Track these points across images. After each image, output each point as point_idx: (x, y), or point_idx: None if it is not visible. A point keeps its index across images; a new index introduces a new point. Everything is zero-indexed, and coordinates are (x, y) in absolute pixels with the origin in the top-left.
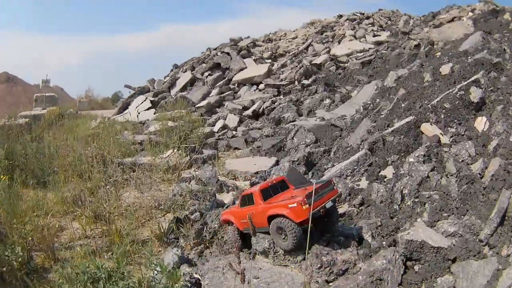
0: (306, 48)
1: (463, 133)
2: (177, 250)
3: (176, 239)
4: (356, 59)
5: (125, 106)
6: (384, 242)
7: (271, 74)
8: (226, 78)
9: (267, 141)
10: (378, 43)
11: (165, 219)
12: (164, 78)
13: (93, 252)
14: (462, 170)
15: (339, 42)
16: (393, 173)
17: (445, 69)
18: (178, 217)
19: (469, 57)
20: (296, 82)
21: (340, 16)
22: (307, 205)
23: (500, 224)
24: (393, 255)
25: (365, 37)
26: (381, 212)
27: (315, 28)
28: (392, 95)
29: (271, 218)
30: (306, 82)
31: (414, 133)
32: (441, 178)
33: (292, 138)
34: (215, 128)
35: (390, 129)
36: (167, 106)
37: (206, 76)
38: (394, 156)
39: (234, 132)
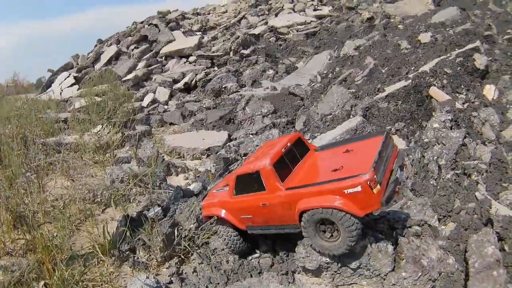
0: (239, 21)
1: (473, 100)
2: (146, 277)
3: (131, 251)
4: (297, 31)
5: (48, 84)
6: (450, 224)
7: (201, 46)
8: (154, 51)
9: (212, 113)
10: (320, 17)
11: (108, 218)
12: (88, 54)
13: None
14: (500, 136)
15: (276, 15)
16: (415, 142)
17: (424, 37)
18: (130, 216)
19: (448, 29)
20: (232, 54)
21: None
22: (379, 186)
23: None
24: (492, 238)
25: (304, 11)
26: (422, 189)
27: (246, 3)
28: (356, 63)
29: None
30: (245, 52)
31: (415, 98)
32: (476, 145)
33: (244, 108)
34: (144, 103)
35: (381, 95)
36: (91, 82)
37: (132, 49)
38: (399, 124)
39: (165, 107)
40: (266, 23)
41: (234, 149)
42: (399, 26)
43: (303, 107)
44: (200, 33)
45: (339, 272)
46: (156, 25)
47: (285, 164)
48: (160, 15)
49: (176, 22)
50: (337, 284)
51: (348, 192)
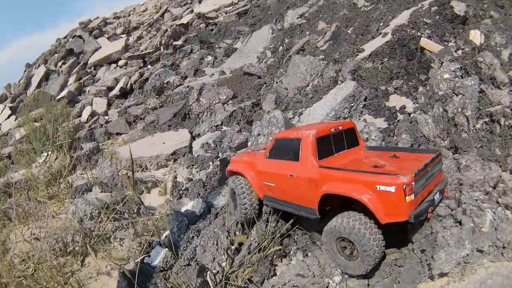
0: (162, 16)
1: (462, 47)
2: None
3: None
4: (226, 13)
5: None
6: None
7: (129, 48)
8: (82, 63)
9: (163, 112)
10: None
11: (92, 272)
12: (19, 81)
13: None
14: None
15: (200, 2)
16: (429, 97)
17: None
18: (130, 271)
19: None
20: (163, 48)
21: None
22: (413, 195)
23: None
24: None
25: None
26: (464, 145)
27: None
28: (308, 30)
29: (327, 199)
30: (177, 43)
31: (403, 53)
32: (492, 90)
33: (198, 100)
34: (83, 118)
35: (363, 55)
36: (26, 108)
37: (61, 66)
38: (397, 81)
39: (106, 117)
40: (192, 11)
41: (214, 146)
42: None
43: (264, 85)
44: (125, 35)
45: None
46: (80, 36)
47: (329, 144)
48: (82, 25)
49: (99, 29)
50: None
51: (380, 189)
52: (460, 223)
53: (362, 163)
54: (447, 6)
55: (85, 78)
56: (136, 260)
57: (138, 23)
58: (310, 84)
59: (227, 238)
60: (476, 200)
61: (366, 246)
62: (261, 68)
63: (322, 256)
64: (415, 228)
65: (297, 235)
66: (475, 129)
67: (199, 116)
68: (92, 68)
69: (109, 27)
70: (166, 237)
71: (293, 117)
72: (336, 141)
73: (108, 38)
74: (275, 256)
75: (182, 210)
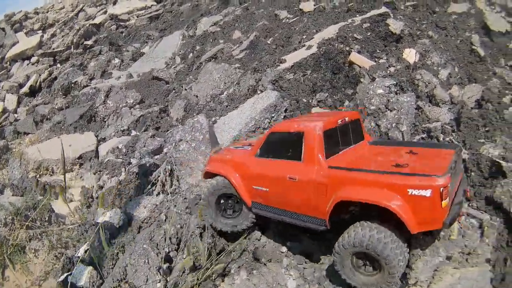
0: (77, 15)
1: (394, 64)
2: None
3: None
4: (138, 16)
5: None
6: None
7: (42, 45)
8: (0, 56)
9: (71, 112)
10: (159, 1)
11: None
12: None
13: None
14: (453, 97)
15: (114, 3)
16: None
17: (307, 6)
18: None
19: None
20: (73, 47)
21: None
22: (448, 198)
23: None
24: None
25: None
26: None
27: None
28: (221, 38)
29: (342, 207)
30: (88, 43)
31: (328, 66)
32: (429, 107)
33: (105, 102)
34: None
35: (285, 65)
36: None
37: None
38: (321, 94)
39: (15, 115)
40: (106, 12)
41: (126, 151)
42: None
43: (173, 91)
44: (41, 31)
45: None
46: (3, 29)
47: (336, 139)
48: (7, 18)
49: (20, 23)
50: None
51: (413, 193)
52: (430, 232)
53: (378, 161)
54: (381, 23)
55: (1, 73)
56: (58, 280)
57: (54, 20)
58: (225, 92)
59: (157, 255)
60: None
61: (390, 258)
62: (170, 73)
63: (269, 274)
64: None
65: (235, 251)
66: None
67: (105, 120)
68: (9, 63)
69: (29, 22)
70: (86, 252)
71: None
72: (342, 135)
73: (26, 33)
74: (214, 275)
75: (98, 221)
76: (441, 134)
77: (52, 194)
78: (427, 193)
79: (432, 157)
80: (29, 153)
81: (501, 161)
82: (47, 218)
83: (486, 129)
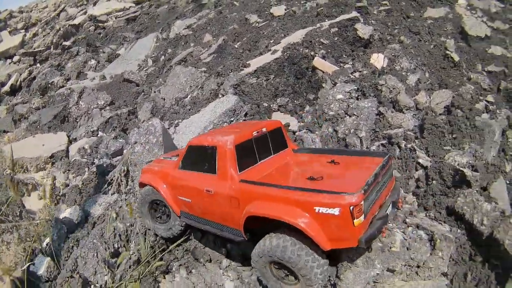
0: (58, 14)
1: (360, 69)
2: None
3: None
4: (116, 18)
5: None
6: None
7: (24, 44)
8: None
9: (45, 112)
10: (138, 2)
11: None
12: None
13: None
14: (418, 103)
15: (94, 4)
16: (317, 117)
17: (278, 10)
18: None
19: (303, 1)
20: (52, 48)
21: None
22: (363, 216)
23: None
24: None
25: None
26: None
27: None
28: (193, 41)
29: (254, 220)
30: (66, 44)
31: (292, 71)
32: (392, 113)
33: (77, 103)
34: None
35: (248, 70)
36: None
37: None
38: (282, 99)
39: None
40: (86, 13)
41: (90, 151)
42: (235, 2)
43: (142, 93)
44: (24, 31)
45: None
46: None
47: (251, 151)
48: None
49: (4, 22)
50: None
51: (320, 211)
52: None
53: (294, 173)
54: (350, 28)
55: None
56: (22, 268)
57: (37, 20)
58: (189, 96)
59: (105, 250)
60: None
61: (305, 270)
62: (141, 76)
63: (208, 274)
64: None
65: (177, 250)
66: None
67: (77, 120)
68: None
69: (13, 20)
70: (47, 244)
71: (169, 128)
72: (260, 146)
73: (10, 32)
74: (157, 272)
75: (60, 217)
76: (403, 141)
77: (25, 191)
78: (335, 211)
79: (353, 168)
80: (6, 151)
81: (465, 170)
82: (18, 213)
83: (454, 136)
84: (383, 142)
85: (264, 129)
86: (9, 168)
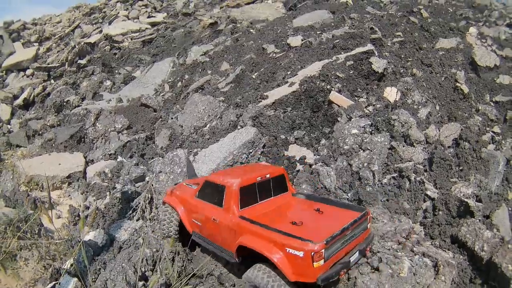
0: (73, 31)
1: (374, 103)
2: None
3: None
4: (132, 39)
5: None
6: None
7: (38, 58)
8: None
9: (62, 131)
10: (154, 24)
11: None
12: None
13: None
14: (428, 137)
15: (109, 23)
16: (332, 151)
17: (295, 41)
18: None
19: (319, 32)
20: (67, 65)
21: None
22: (322, 261)
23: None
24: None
25: (138, 18)
26: (369, 198)
27: (79, 12)
28: (210, 69)
29: (243, 249)
30: (82, 62)
31: (308, 104)
32: (403, 147)
33: (94, 125)
34: None
35: (266, 102)
36: None
37: None
38: (299, 132)
39: (9, 126)
40: (101, 31)
41: (111, 176)
42: (251, 30)
43: (160, 119)
44: (37, 44)
45: None
46: (1, 36)
47: (253, 193)
48: (6, 25)
49: (18, 33)
50: None
51: (290, 251)
52: (377, 269)
53: (282, 217)
54: (365, 61)
55: None
56: (48, 287)
57: (51, 34)
58: (208, 125)
59: (134, 273)
60: (389, 249)
61: None
62: (158, 101)
63: None
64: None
65: (202, 276)
66: (381, 184)
67: (94, 142)
68: (4, 72)
69: (26, 32)
70: (71, 265)
71: (188, 156)
72: (262, 189)
73: (23, 44)
74: None
75: (85, 239)
76: (413, 174)
77: (42, 209)
78: (300, 254)
79: (330, 219)
80: (21, 167)
81: (469, 201)
82: (37, 231)
83: (460, 168)
84: (394, 175)
85: (267, 175)
86: (24, 184)
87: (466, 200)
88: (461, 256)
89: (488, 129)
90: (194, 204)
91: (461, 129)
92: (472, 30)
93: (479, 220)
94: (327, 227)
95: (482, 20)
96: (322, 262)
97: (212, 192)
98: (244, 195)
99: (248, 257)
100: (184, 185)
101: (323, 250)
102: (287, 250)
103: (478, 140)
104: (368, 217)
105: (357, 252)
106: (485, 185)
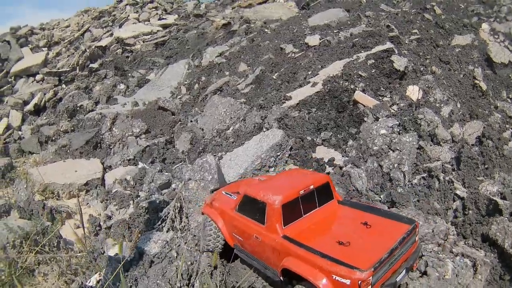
0: (82, 35)
1: (397, 102)
2: None
3: None
4: (144, 41)
5: None
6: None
7: (47, 63)
8: (5, 70)
9: (76, 137)
10: (165, 26)
11: None
12: None
13: None
14: (454, 135)
15: (120, 26)
16: (359, 152)
17: (313, 40)
18: None
19: (336, 31)
20: (78, 69)
21: (120, 1)
22: (370, 287)
23: None
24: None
25: (149, 20)
26: (403, 200)
27: (88, 16)
28: (227, 70)
29: (288, 270)
30: (93, 66)
31: (333, 105)
32: (431, 146)
33: (111, 129)
34: None
35: (290, 103)
36: None
37: None
38: (326, 133)
39: (20, 132)
40: (112, 34)
41: (134, 183)
42: (266, 30)
43: (179, 123)
44: (46, 49)
45: None
46: (8, 42)
47: (297, 207)
48: (13, 31)
49: (25, 38)
50: None
51: (336, 279)
52: (425, 273)
53: (329, 234)
54: (386, 60)
55: (5, 87)
56: None
57: (60, 38)
58: (231, 128)
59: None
60: (431, 252)
61: None
62: (176, 104)
63: None
64: None
65: None
66: (411, 184)
67: (111, 147)
68: (13, 78)
69: (34, 37)
70: (98, 282)
71: (217, 159)
72: (305, 201)
73: (31, 49)
74: None
75: (109, 253)
76: (442, 173)
77: (59, 219)
78: (347, 281)
79: (379, 236)
80: (34, 174)
81: (497, 199)
82: (55, 244)
83: (486, 166)
84: (424, 175)
85: (311, 187)
86: (38, 193)
87: (494, 198)
88: (492, 254)
89: (507, 126)
90: (234, 218)
91: (484, 127)
92: (485, 26)
93: (507, 218)
94: (375, 248)
95: (492, 16)
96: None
97: (252, 207)
98: (287, 212)
99: (294, 276)
100: (222, 194)
101: (370, 278)
102: (333, 277)
103: (500, 137)
104: (417, 229)
105: (404, 270)
106: (509, 183)
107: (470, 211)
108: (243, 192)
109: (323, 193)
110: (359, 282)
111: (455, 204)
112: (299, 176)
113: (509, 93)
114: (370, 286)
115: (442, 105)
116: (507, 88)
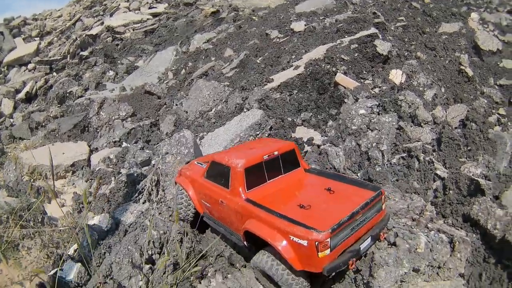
0: (74, 24)
1: (380, 85)
2: None
3: None
4: (134, 29)
5: None
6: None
7: (39, 52)
8: None
9: (65, 121)
10: (155, 15)
11: (6, 280)
12: None
13: None
14: (435, 117)
15: (111, 15)
16: (340, 131)
17: (298, 26)
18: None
19: (322, 18)
20: (69, 57)
21: None
22: (328, 250)
23: None
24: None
25: (139, 9)
26: (379, 177)
27: (80, 6)
28: (213, 55)
29: (250, 234)
30: (84, 54)
31: (314, 87)
32: (411, 127)
33: (98, 113)
34: None
35: (272, 85)
36: None
37: None
38: (305, 114)
39: (11, 120)
40: (102, 23)
41: (116, 161)
42: (253, 17)
43: (164, 106)
44: (38, 38)
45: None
46: (1, 33)
47: (261, 172)
48: (6, 22)
49: (18, 28)
50: None
51: (294, 239)
52: (394, 244)
53: (291, 198)
54: (369, 44)
55: None
56: (50, 273)
57: (52, 28)
58: (213, 109)
59: (141, 256)
60: (404, 225)
61: (284, 284)
62: (162, 88)
63: (243, 279)
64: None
65: (212, 256)
66: (390, 164)
67: (98, 130)
68: (6, 67)
69: (27, 27)
70: (75, 251)
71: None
72: (270, 167)
73: (24, 39)
74: (193, 278)
75: (89, 223)
76: (422, 154)
77: (45, 197)
78: (304, 243)
79: (341, 201)
80: (24, 158)
81: (479, 179)
82: (40, 219)
83: (469, 148)
84: (403, 155)
85: (276, 152)
86: (27, 175)
87: (476, 178)
88: (474, 235)
89: (493, 111)
90: (202, 185)
91: (468, 111)
92: (474, 15)
93: (490, 198)
94: (336, 211)
95: (483, 6)
96: (327, 251)
97: (218, 172)
98: (250, 176)
99: (258, 241)
100: (195, 164)
101: (328, 239)
102: (291, 238)
103: (484, 121)
104: (383, 197)
105: (369, 238)
106: (493, 166)
107: (451, 191)
108: (210, 159)
109: (288, 161)
110: (316, 243)
111: (435, 184)
112: (266, 143)
113: (496, 80)
114: (328, 249)
115: (426, 89)
116: (495, 75)
